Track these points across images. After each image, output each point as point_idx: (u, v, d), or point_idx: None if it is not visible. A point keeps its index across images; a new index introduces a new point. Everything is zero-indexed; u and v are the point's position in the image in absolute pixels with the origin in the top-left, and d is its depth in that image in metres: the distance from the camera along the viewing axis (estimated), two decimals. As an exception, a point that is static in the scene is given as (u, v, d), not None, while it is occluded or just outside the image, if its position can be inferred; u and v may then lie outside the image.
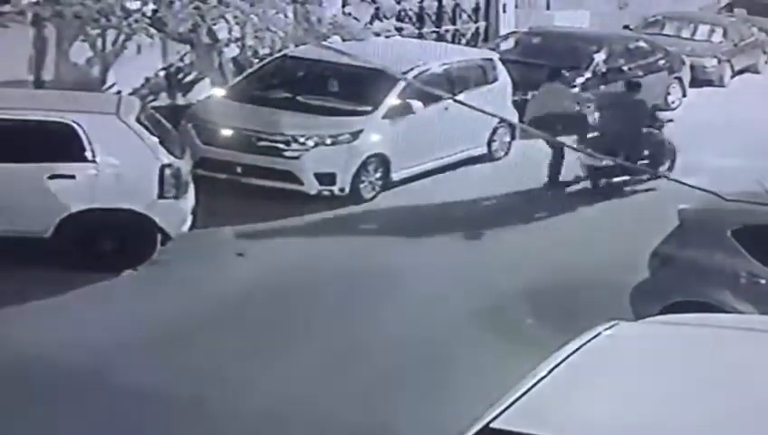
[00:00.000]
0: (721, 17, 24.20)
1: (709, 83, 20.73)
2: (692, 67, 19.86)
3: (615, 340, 5.61)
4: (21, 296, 9.39)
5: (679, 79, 19.01)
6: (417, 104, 13.21)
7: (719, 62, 21.27)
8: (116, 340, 8.80)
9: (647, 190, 13.53)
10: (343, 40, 14.63)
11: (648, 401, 4.93)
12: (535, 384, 5.07)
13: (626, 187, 13.63)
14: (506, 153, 14.98)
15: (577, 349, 5.43)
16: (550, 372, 5.19)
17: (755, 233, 8.38)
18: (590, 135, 13.59)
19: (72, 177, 10.06)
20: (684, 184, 10.46)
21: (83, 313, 9.37)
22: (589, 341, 5.53)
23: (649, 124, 14.05)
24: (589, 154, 12.63)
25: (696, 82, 19.84)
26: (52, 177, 10.01)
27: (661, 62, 18.66)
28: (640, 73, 17.70)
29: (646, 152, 13.87)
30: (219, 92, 13.61)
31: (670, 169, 13.86)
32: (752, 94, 20.01)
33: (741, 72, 22.07)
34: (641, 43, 19.05)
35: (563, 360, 5.31)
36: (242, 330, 9.20)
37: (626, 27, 21.60)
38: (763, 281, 8.33)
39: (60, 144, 10.10)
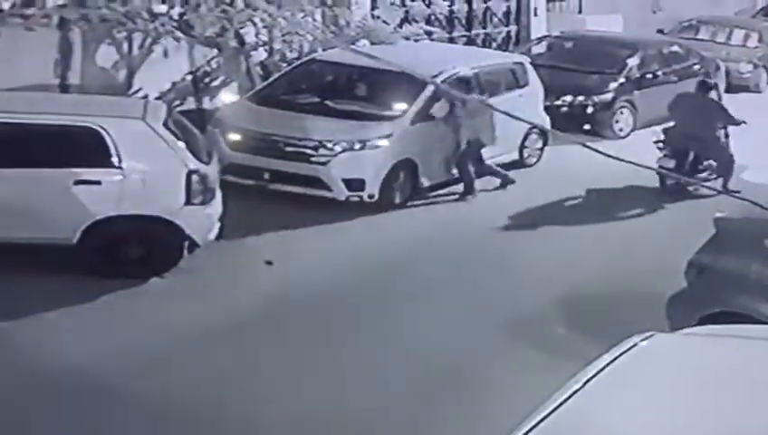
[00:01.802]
0: (756, 22, 23.91)
1: (745, 89, 20.46)
2: (727, 72, 19.62)
3: (650, 352, 5.49)
4: (47, 304, 9.33)
5: (714, 84, 18.73)
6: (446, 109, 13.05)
7: (755, 67, 21.02)
8: (142, 348, 8.73)
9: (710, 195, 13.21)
10: (372, 43, 14.52)
11: (683, 416, 4.80)
12: (569, 397, 4.94)
13: (690, 187, 13.56)
14: (538, 160, 14.80)
15: (612, 361, 5.31)
16: (584, 384, 5.06)
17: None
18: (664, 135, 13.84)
19: (98, 183, 9.97)
20: (721, 192, 10.34)
21: (109, 321, 9.29)
22: (623, 353, 5.41)
23: (727, 124, 13.96)
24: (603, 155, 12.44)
25: (731, 88, 19.57)
26: (78, 182, 9.92)
27: (696, 67, 18.43)
28: (675, 78, 17.51)
29: (713, 154, 13.89)
30: (231, 98, 13.48)
31: (730, 172, 13.85)
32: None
33: (777, 77, 21.77)
34: (675, 48, 18.83)
35: (598, 372, 5.19)
36: (269, 340, 9.07)
37: (660, 32, 21.41)
38: (801, 291, 8.14)
39: (85, 149, 10.01)
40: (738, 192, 12.12)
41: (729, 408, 4.88)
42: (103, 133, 9.97)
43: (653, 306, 8.74)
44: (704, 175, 13.90)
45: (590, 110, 16.55)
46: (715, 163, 13.93)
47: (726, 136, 14.04)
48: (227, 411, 7.84)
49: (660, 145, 13.81)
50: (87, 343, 8.79)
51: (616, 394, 5.06)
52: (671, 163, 13.51)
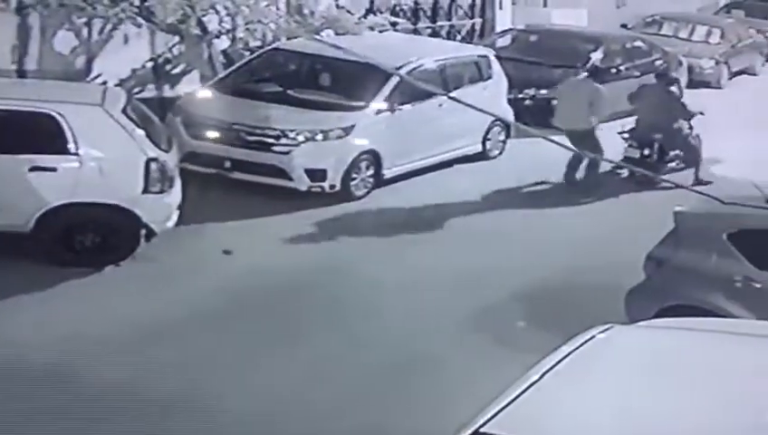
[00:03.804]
0: (719, 18, 24.16)
1: (706, 85, 20.62)
2: (689, 68, 19.78)
3: (609, 344, 5.52)
4: (1, 292, 9.18)
5: (676, 78, 18.83)
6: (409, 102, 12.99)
7: (716, 63, 21.20)
8: (94, 336, 8.63)
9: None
10: (336, 33, 14.44)
11: (641, 407, 4.82)
12: (527, 388, 4.96)
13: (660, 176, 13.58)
14: (501, 152, 14.82)
15: (570, 353, 5.34)
16: (542, 376, 5.09)
17: (751, 237, 8.27)
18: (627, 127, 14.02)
19: (54, 169, 9.84)
20: (680, 186, 10.36)
21: (62, 309, 9.18)
22: (582, 344, 5.42)
23: (683, 117, 14.07)
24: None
25: (692, 84, 19.71)
26: (33, 169, 9.79)
27: (658, 62, 18.53)
28: (637, 73, 17.57)
29: (678, 144, 14.00)
30: (192, 86, 13.39)
31: (698, 162, 13.93)
32: (748, 96, 19.91)
33: (738, 73, 22.00)
34: (638, 43, 18.95)
35: (556, 364, 5.22)
36: (224, 330, 8.99)
37: (623, 27, 21.53)
38: (758, 285, 8.20)
39: (42, 135, 9.89)
40: (709, 183, 12.23)
41: (686, 398, 4.93)
42: (60, 119, 9.85)
43: (613, 298, 8.75)
44: (672, 165, 14.01)
45: (553, 103, 16.55)
46: (681, 153, 14.02)
47: (690, 128, 14.12)
48: (181, 401, 7.75)
49: (626, 136, 13.88)
50: (42, 332, 8.67)
51: (574, 385, 5.09)
52: (637, 153, 13.61)
